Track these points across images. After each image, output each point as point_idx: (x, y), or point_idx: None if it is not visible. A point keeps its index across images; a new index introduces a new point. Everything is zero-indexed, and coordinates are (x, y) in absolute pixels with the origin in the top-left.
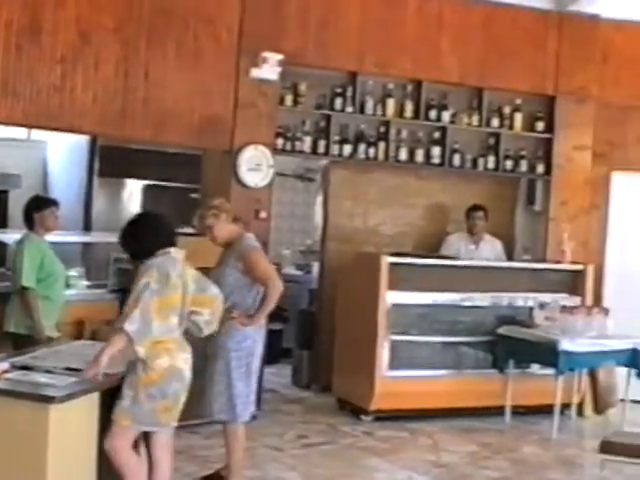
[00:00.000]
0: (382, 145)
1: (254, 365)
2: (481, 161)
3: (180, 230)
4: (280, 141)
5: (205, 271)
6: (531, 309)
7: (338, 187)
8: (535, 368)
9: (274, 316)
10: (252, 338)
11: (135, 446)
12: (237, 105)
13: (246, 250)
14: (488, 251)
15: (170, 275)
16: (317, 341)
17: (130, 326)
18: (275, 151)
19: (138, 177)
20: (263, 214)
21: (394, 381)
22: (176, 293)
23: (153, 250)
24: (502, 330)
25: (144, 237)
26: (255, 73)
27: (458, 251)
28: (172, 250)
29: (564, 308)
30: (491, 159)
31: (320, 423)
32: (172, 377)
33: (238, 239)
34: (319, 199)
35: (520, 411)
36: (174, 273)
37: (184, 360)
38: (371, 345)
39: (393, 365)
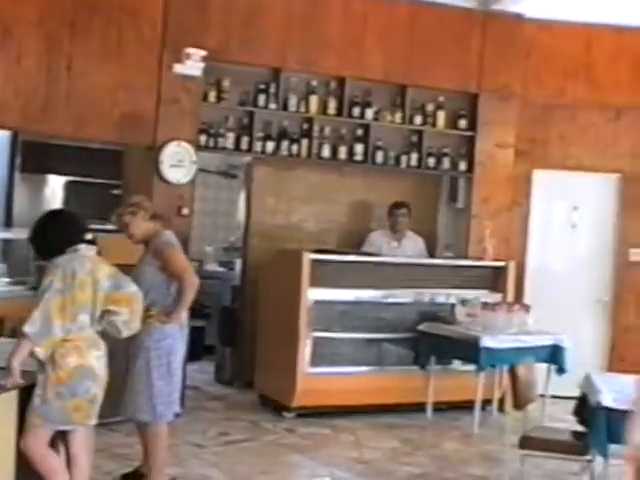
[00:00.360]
0: (305, 142)
1: (175, 364)
2: (404, 158)
3: (102, 227)
4: (203, 137)
5: (128, 269)
6: (453, 306)
7: (261, 184)
8: (456, 364)
9: (196, 313)
10: (172, 336)
11: (53, 444)
12: (160, 101)
13: (161, 246)
14: (410, 248)
15: (76, 273)
16: (239, 338)
17: (30, 328)
18: (198, 147)
19: (60, 173)
20: (185, 211)
21: (316, 378)
22: (84, 291)
23: (61, 248)
24: (424, 327)
25: (51, 235)
26: (178, 69)
27: (380, 248)
28: (82, 247)
29: (485, 305)
30: (414, 156)
31: (242, 420)
32: (82, 376)
33: (155, 236)
34: (242, 196)
35: (442, 407)
36: (82, 271)
37: (96, 358)
38: (293, 342)
39: (315, 362)
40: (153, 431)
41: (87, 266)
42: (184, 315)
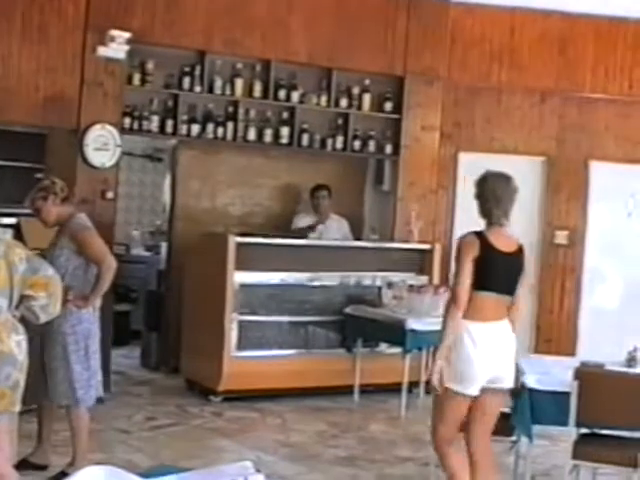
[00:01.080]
0: (230, 125)
1: (92, 347)
2: (330, 141)
3: (25, 211)
4: (127, 120)
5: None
6: (379, 289)
7: (186, 167)
8: (383, 347)
9: (122, 297)
10: (88, 320)
11: None
12: (83, 83)
13: (77, 230)
14: (335, 230)
15: None
16: (166, 322)
17: None
18: (122, 130)
19: None
20: (110, 194)
21: (242, 361)
22: None
23: None
24: (350, 309)
25: None
26: (102, 51)
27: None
28: None
29: (411, 287)
30: (340, 139)
31: (169, 405)
32: (2, 362)
33: (68, 220)
34: (167, 179)
35: (369, 390)
36: None
37: (16, 343)
38: (219, 326)
39: (241, 345)
40: (75, 415)
41: (0, 249)
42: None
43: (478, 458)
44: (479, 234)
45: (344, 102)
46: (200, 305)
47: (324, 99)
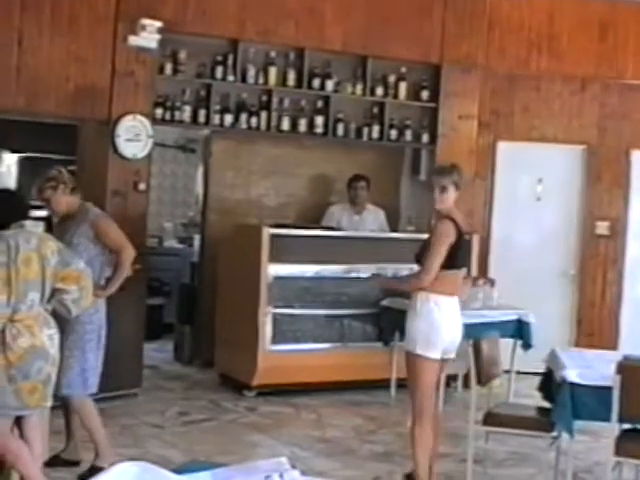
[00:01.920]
0: (264, 115)
1: (103, 337)
2: (365, 130)
3: None
4: (159, 111)
5: None
6: None
7: (219, 158)
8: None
9: (155, 290)
10: (102, 310)
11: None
12: (114, 74)
13: (97, 218)
14: (371, 221)
15: (20, 247)
16: (199, 316)
17: None
18: (154, 121)
19: (14, 150)
20: (142, 186)
21: (277, 355)
22: (29, 267)
23: (5, 224)
24: (387, 302)
25: None
26: (133, 41)
27: (340, 222)
28: (27, 223)
29: None
30: (375, 128)
31: (202, 399)
32: (34, 356)
33: (79, 210)
34: (200, 170)
35: (406, 384)
36: (27, 246)
37: (48, 337)
38: (253, 319)
39: (276, 339)
40: (79, 404)
41: (33, 242)
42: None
43: (434, 426)
44: (453, 220)
45: (379, 91)
46: (234, 298)
47: (359, 88)
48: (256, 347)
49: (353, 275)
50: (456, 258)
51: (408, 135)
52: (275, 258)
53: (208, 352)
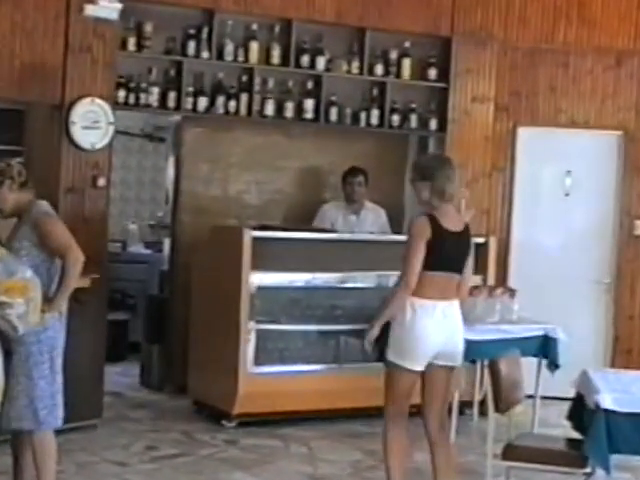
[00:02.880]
0: (244, 97)
1: (58, 360)
2: (363, 116)
3: None
4: (122, 93)
5: None
6: None
7: (193, 148)
8: None
9: (118, 304)
10: (53, 328)
11: None
12: (68, 49)
13: (39, 218)
14: (370, 222)
15: None
16: (170, 333)
17: None
18: (116, 105)
19: None
20: (102, 181)
21: (261, 379)
22: None
23: None
24: None
25: None
26: (90, 11)
27: (334, 223)
28: None
29: None
30: (375, 113)
31: (174, 431)
32: None
33: (29, 208)
34: (171, 162)
35: (412, 411)
36: None
37: None
38: (233, 336)
39: (260, 360)
40: (38, 441)
41: None
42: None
43: (434, 439)
44: (430, 217)
45: (379, 69)
46: (210, 312)
47: (355, 66)
48: (237, 369)
49: (350, 285)
50: (438, 258)
51: (413, 121)
52: (258, 265)
53: (180, 375)
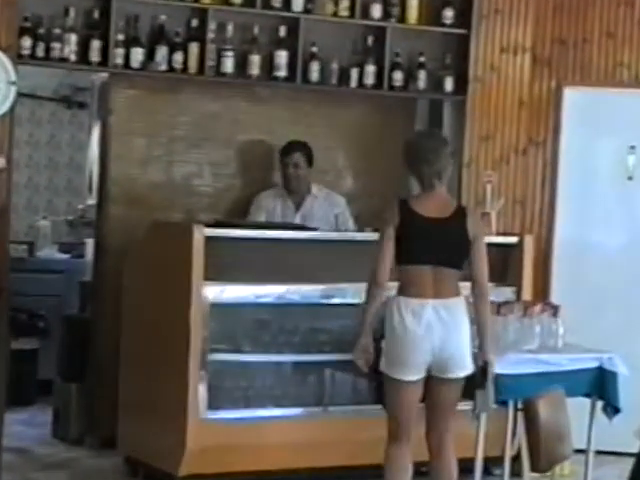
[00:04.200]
0: (195, 48)
1: None
2: (354, 73)
3: None
4: (27, 42)
5: None
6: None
7: (125, 117)
8: None
9: (23, 328)
10: None
11: None
12: None
13: None
14: (319, 214)
15: None
16: (93, 367)
17: None
18: (19, 59)
19: None
20: (0, 161)
21: (218, 428)
22: None
23: None
24: None
25: None
26: None
27: (271, 216)
28: None
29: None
30: (370, 70)
31: None
32: None
33: None
34: (95, 137)
35: (422, 470)
36: None
37: None
38: (180, 371)
39: (216, 402)
40: None
41: None
42: None
43: (436, 454)
44: (402, 202)
45: (377, 10)
46: (149, 338)
47: (344, 6)
48: (184, 415)
49: (337, 301)
50: (412, 249)
51: (422, 80)
52: (214, 274)
53: (107, 425)
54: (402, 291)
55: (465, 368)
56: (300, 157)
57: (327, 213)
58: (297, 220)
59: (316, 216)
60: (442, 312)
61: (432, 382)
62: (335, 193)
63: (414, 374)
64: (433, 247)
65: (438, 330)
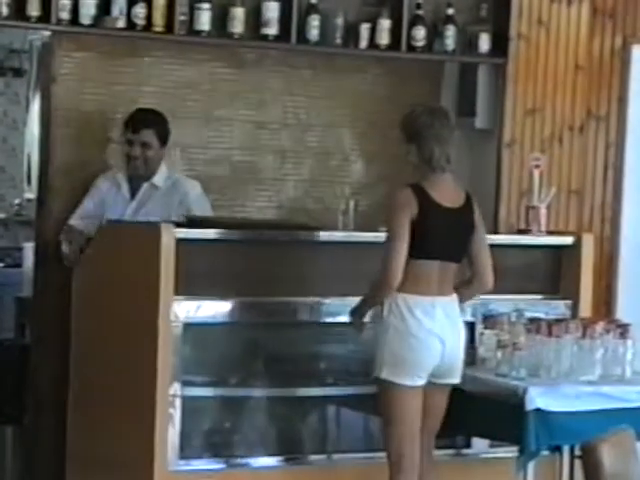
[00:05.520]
0: (161, 0)
1: None
2: (364, 30)
3: None
4: None
5: None
6: (470, 327)
7: (72, 87)
8: (480, 446)
9: None
10: None
11: None
12: None
13: None
14: (158, 208)
15: None
16: (34, 406)
17: None
18: None
19: None
20: None
21: None
22: None
23: None
24: None
25: None
26: None
27: (104, 206)
28: None
29: (535, 323)
30: (384, 25)
31: None
32: None
33: None
34: (34, 112)
35: None
36: None
37: None
38: (144, 410)
39: (189, 450)
40: None
41: None
42: None
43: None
44: (416, 187)
45: None
46: (105, 369)
47: None
48: (150, 466)
49: (338, 319)
50: (429, 241)
51: (450, 38)
52: (187, 287)
53: (51, 478)
54: (407, 288)
55: (459, 374)
56: (152, 135)
57: (170, 206)
58: (128, 213)
59: (153, 211)
60: (449, 310)
61: (432, 391)
62: (189, 178)
63: (422, 378)
64: (444, 240)
65: (448, 330)
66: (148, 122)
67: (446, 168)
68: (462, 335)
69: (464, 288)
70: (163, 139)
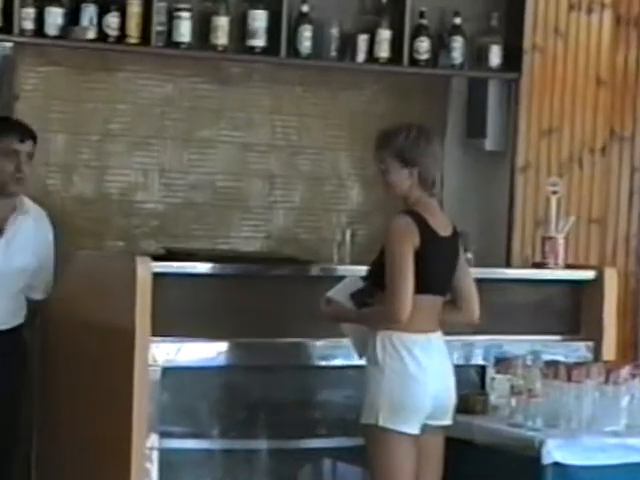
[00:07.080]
0: (136, 7)
1: None
2: (361, 42)
3: None
4: None
5: None
6: (478, 371)
7: (37, 105)
8: None
9: None
10: None
11: None
12: None
13: None
14: (30, 242)
15: None
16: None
17: None
18: None
19: None
20: None
21: None
22: None
23: None
24: None
25: None
26: None
27: None
28: None
29: (553, 367)
30: (384, 37)
31: None
32: None
33: None
34: None
35: None
36: None
37: None
38: (118, 463)
39: None
40: None
41: None
42: None
43: None
44: (415, 215)
45: None
46: (73, 418)
47: None
48: None
49: (338, 362)
50: (429, 275)
51: (457, 51)
52: (167, 327)
53: None
54: (407, 326)
55: (451, 414)
56: (32, 146)
57: (41, 241)
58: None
59: (25, 246)
60: (440, 346)
61: (428, 435)
62: (41, 209)
63: (420, 424)
64: (443, 273)
65: (443, 368)
66: (33, 132)
67: (434, 192)
68: (450, 373)
69: (448, 318)
70: (31, 155)
